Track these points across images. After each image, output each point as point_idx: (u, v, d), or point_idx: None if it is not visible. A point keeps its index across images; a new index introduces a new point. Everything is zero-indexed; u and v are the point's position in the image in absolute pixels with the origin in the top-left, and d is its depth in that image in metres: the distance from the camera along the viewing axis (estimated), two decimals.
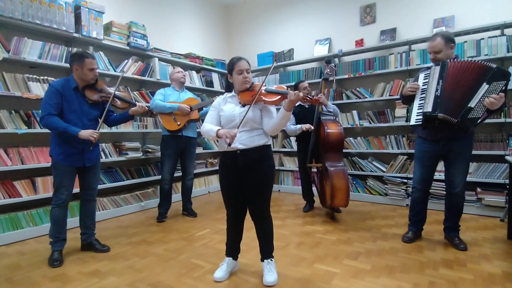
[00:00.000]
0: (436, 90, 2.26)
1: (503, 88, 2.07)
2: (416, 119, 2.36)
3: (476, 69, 2.14)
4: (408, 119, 3.68)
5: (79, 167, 2.40)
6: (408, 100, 2.54)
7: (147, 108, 2.63)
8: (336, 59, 4.38)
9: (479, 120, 2.15)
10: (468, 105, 2.14)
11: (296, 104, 2.67)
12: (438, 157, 2.49)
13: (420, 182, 2.54)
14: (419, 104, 2.37)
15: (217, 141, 1.99)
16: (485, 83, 2.10)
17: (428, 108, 2.27)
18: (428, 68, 2.43)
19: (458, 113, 2.17)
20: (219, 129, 1.85)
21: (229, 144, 1.78)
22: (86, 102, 2.39)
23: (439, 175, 3.21)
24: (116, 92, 2.51)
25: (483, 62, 2.15)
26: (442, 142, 2.39)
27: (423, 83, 2.39)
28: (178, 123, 3.27)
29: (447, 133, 2.34)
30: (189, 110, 3.28)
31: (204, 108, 3.49)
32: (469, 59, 2.16)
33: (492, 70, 2.09)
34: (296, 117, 3.54)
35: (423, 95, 2.35)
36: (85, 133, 2.26)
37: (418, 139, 2.57)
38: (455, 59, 2.29)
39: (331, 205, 3.13)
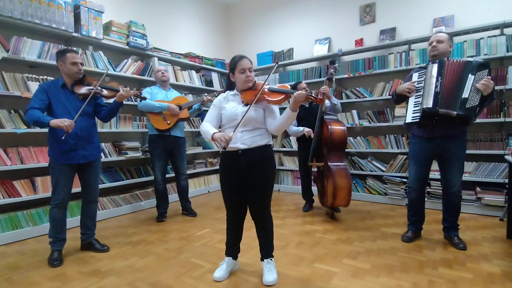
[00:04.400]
0: (436, 86, 2.31)
1: (488, 75, 2.23)
2: (413, 117, 2.38)
3: (462, 65, 2.29)
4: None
5: (76, 165, 2.38)
6: (400, 99, 2.60)
7: (132, 92, 2.52)
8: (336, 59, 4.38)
9: (478, 109, 2.22)
10: (463, 96, 2.22)
11: None
12: (433, 156, 2.51)
13: (416, 181, 2.55)
14: (415, 102, 2.41)
15: None
16: (470, 74, 2.23)
17: (429, 104, 2.30)
18: (421, 67, 2.51)
19: (455, 106, 2.23)
20: (214, 132, 1.81)
21: (224, 148, 1.76)
22: (77, 98, 2.38)
23: (434, 174, 3.22)
24: (102, 83, 2.45)
25: (465, 59, 2.33)
26: (438, 141, 2.41)
27: (418, 81, 2.44)
28: (168, 122, 3.24)
29: (444, 131, 2.37)
30: (179, 110, 3.26)
31: (193, 107, 3.47)
32: (460, 58, 2.37)
33: (472, 64, 2.25)
34: (297, 116, 3.53)
35: (419, 93, 2.40)
36: (56, 121, 2.15)
37: (412, 138, 2.58)
38: (449, 59, 2.37)
39: (333, 204, 3.13)
